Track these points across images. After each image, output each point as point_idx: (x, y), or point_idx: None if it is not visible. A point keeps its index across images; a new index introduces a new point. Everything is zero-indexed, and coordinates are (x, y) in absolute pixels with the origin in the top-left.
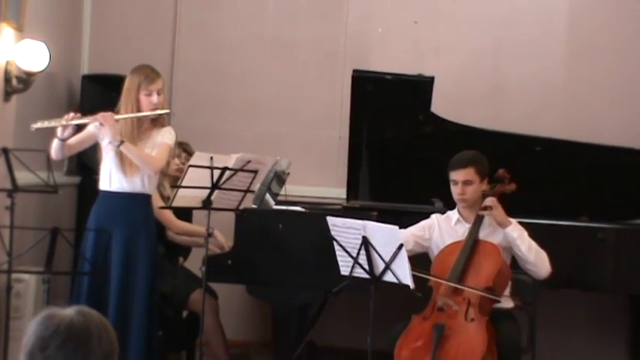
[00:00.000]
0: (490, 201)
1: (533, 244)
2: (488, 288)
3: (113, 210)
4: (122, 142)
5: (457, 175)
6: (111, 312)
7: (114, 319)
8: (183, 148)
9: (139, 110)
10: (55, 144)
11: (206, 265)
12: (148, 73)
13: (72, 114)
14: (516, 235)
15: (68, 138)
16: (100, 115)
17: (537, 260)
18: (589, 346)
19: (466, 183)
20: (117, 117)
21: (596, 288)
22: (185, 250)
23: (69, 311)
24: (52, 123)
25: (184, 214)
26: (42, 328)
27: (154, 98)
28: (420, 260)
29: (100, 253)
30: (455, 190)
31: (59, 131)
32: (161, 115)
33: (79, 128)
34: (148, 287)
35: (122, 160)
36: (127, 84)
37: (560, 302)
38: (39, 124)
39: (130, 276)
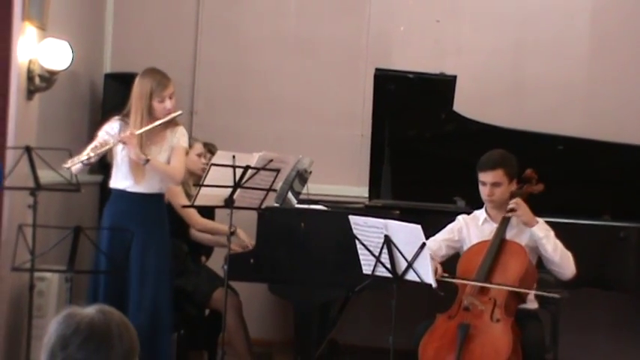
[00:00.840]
0: (514, 203)
1: (559, 244)
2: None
3: (127, 210)
4: (148, 160)
5: (486, 177)
6: (132, 311)
7: (136, 319)
8: (209, 149)
9: (150, 116)
10: (79, 167)
11: (228, 263)
12: (160, 80)
13: (95, 143)
14: (542, 235)
15: (91, 165)
16: (124, 137)
17: (562, 261)
18: (611, 346)
19: (495, 185)
20: (137, 132)
21: (618, 287)
22: (208, 249)
23: (90, 310)
24: (82, 157)
25: (207, 213)
26: (63, 326)
27: (168, 104)
28: (447, 261)
29: (114, 252)
30: (483, 191)
31: (85, 159)
32: (174, 117)
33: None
34: (167, 285)
35: (132, 170)
36: (138, 90)
37: (582, 302)
38: (69, 164)
39: (148, 275)
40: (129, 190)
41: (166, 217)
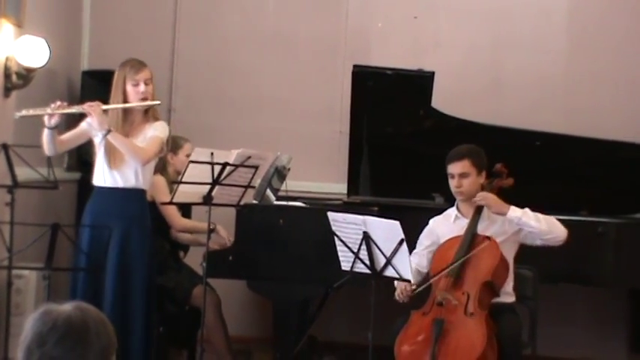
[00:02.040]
0: (479, 197)
1: (539, 215)
2: (487, 282)
3: (108, 206)
4: (109, 131)
5: (453, 168)
6: (106, 309)
7: (110, 316)
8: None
9: (126, 102)
10: (45, 134)
11: (207, 260)
12: (134, 64)
13: (58, 102)
14: (520, 215)
15: (56, 127)
16: (87, 105)
17: (551, 227)
18: (589, 341)
19: (462, 175)
20: (104, 107)
21: (596, 282)
22: (185, 245)
23: (66, 307)
24: (38, 111)
25: (184, 210)
26: (39, 323)
27: (141, 87)
28: None
29: (95, 250)
30: (452, 183)
31: (46, 120)
32: (151, 106)
33: (72, 122)
34: (145, 283)
35: (108, 151)
36: (115, 78)
37: (560, 297)
38: (24, 112)
39: (126, 272)
40: (108, 185)
41: (148, 214)
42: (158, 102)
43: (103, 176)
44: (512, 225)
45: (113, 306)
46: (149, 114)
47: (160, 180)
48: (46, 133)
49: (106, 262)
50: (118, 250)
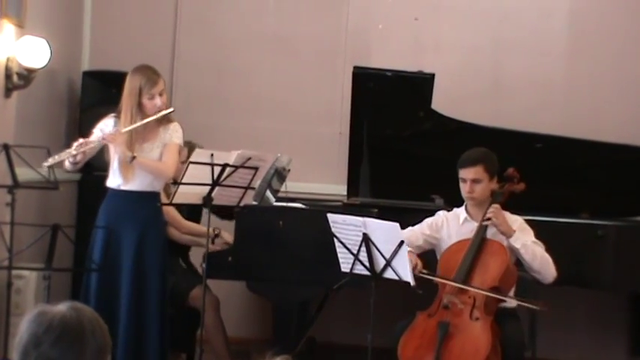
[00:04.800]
0: (492, 212)
1: (538, 250)
2: (494, 287)
3: (122, 208)
4: (134, 157)
5: (466, 173)
6: (123, 312)
7: (126, 319)
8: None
9: (141, 113)
10: (67, 165)
11: (206, 261)
12: (150, 76)
13: (80, 140)
14: (519, 246)
15: (79, 163)
16: (107, 135)
17: (542, 268)
18: (590, 344)
19: (475, 181)
20: (123, 130)
21: (596, 285)
22: (182, 246)
23: (61, 307)
24: (63, 156)
25: (194, 213)
26: (35, 325)
27: (158, 101)
28: (427, 257)
29: (109, 252)
30: (464, 188)
31: (69, 162)
32: (166, 115)
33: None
34: (160, 284)
35: (120, 165)
36: (128, 87)
37: (561, 300)
38: (50, 162)
39: (142, 274)
40: (122, 188)
41: (162, 217)
42: (171, 110)
43: (116, 178)
44: None
45: (129, 307)
46: (162, 118)
47: None
48: (68, 165)
49: (118, 264)
50: (134, 252)
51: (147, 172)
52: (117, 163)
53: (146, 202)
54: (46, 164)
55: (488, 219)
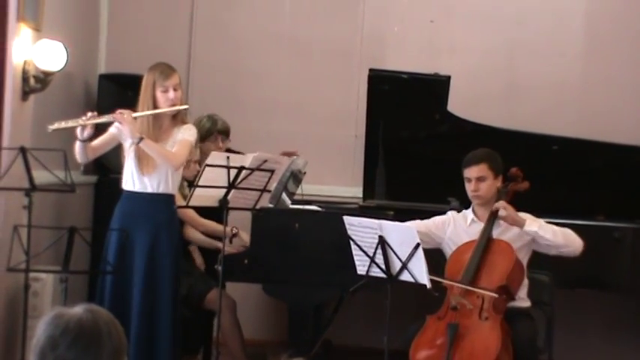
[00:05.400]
0: (501, 206)
1: (555, 227)
2: (501, 286)
3: (137, 210)
4: (142, 138)
5: (470, 172)
6: (134, 313)
7: (138, 320)
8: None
9: (155, 108)
10: (77, 146)
11: (222, 264)
12: (163, 69)
13: (89, 114)
14: (536, 229)
15: (88, 138)
16: (118, 113)
17: (567, 240)
18: (606, 347)
19: (480, 179)
20: (135, 114)
21: (612, 288)
22: (199, 249)
23: (77, 309)
24: (70, 123)
25: (215, 216)
26: (51, 327)
27: (171, 94)
28: (435, 259)
29: (123, 253)
30: (469, 187)
31: (78, 132)
32: (180, 110)
33: (100, 129)
34: (173, 287)
35: (139, 158)
36: (144, 83)
37: (577, 302)
38: (56, 126)
39: (154, 276)
40: (137, 190)
41: (177, 219)
42: (186, 106)
43: (132, 181)
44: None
45: (140, 309)
46: (177, 118)
47: None
48: (78, 144)
49: (129, 266)
50: (146, 254)
51: (154, 155)
52: (131, 161)
53: (160, 204)
54: (51, 127)
55: (497, 210)
